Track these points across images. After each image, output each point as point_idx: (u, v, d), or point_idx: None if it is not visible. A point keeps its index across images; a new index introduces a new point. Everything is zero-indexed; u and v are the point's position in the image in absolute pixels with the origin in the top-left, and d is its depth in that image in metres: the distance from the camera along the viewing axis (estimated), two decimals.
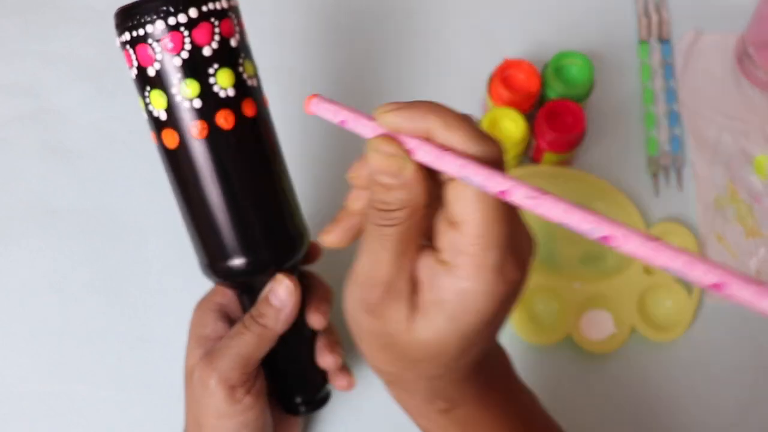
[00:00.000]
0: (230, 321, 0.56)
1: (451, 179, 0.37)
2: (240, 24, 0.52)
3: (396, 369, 0.42)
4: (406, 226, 0.38)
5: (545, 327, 0.67)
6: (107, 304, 0.69)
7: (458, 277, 0.37)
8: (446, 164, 0.36)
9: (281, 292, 0.53)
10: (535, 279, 0.67)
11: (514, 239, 0.38)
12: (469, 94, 0.76)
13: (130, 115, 0.74)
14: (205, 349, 0.54)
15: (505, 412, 0.47)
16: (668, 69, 0.77)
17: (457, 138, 0.36)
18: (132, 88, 0.73)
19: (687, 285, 0.68)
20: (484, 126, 0.68)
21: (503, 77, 0.71)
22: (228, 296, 0.57)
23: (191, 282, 0.69)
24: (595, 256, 0.69)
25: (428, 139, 0.37)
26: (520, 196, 0.34)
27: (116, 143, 0.74)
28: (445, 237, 0.38)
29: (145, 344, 0.68)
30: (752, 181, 0.72)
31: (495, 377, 0.46)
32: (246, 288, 0.55)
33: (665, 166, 0.73)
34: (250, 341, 0.52)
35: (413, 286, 0.39)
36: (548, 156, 0.70)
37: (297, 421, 0.61)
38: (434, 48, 0.78)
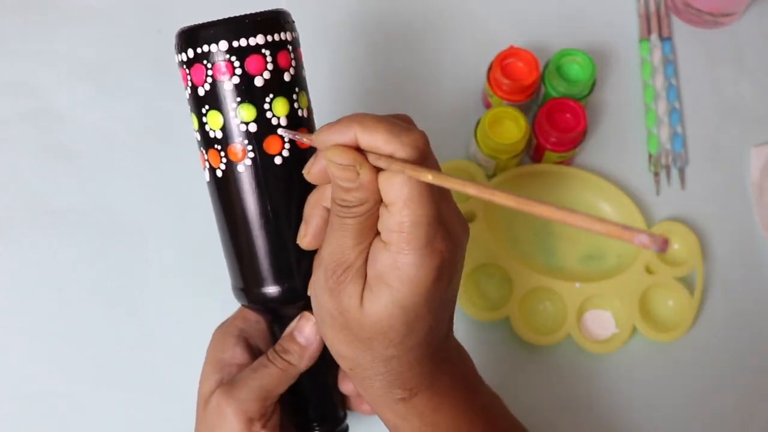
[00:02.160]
0: (250, 347, 0.56)
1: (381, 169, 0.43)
2: (298, 55, 0.52)
3: (353, 351, 0.46)
4: (364, 218, 0.44)
5: (545, 327, 0.67)
6: (107, 303, 0.69)
7: (392, 252, 0.42)
8: (380, 163, 0.42)
9: (307, 330, 0.53)
10: (536, 279, 0.67)
11: (443, 217, 0.43)
12: (469, 93, 0.76)
13: (130, 115, 0.75)
14: (221, 375, 0.54)
15: (466, 405, 0.50)
16: (669, 66, 0.76)
17: (377, 138, 0.42)
18: (133, 89, 0.74)
19: (689, 285, 0.68)
20: (485, 125, 0.67)
21: (503, 66, 0.70)
22: (250, 322, 0.57)
23: (192, 281, 0.69)
24: (595, 256, 0.69)
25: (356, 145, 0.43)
26: (429, 178, 0.40)
27: (116, 143, 0.74)
28: (382, 219, 0.43)
29: (145, 344, 0.68)
30: None
31: (456, 373, 0.50)
32: (276, 317, 0.54)
33: (666, 164, 0.73)
34: (273, 375, 0.52)
35: (365, 267, 0.44)
36: (549, 155, 0.70)
37: None
38: (435, 46, 0.78)
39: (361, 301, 0.44)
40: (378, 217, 0.44)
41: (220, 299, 0.59)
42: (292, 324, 0.54)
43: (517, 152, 0.69)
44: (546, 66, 0.72)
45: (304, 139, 0.48)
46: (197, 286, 0.69)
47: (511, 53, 0.71)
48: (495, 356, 0.67)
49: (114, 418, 0.66)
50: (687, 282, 0.68)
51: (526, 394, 0.65)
